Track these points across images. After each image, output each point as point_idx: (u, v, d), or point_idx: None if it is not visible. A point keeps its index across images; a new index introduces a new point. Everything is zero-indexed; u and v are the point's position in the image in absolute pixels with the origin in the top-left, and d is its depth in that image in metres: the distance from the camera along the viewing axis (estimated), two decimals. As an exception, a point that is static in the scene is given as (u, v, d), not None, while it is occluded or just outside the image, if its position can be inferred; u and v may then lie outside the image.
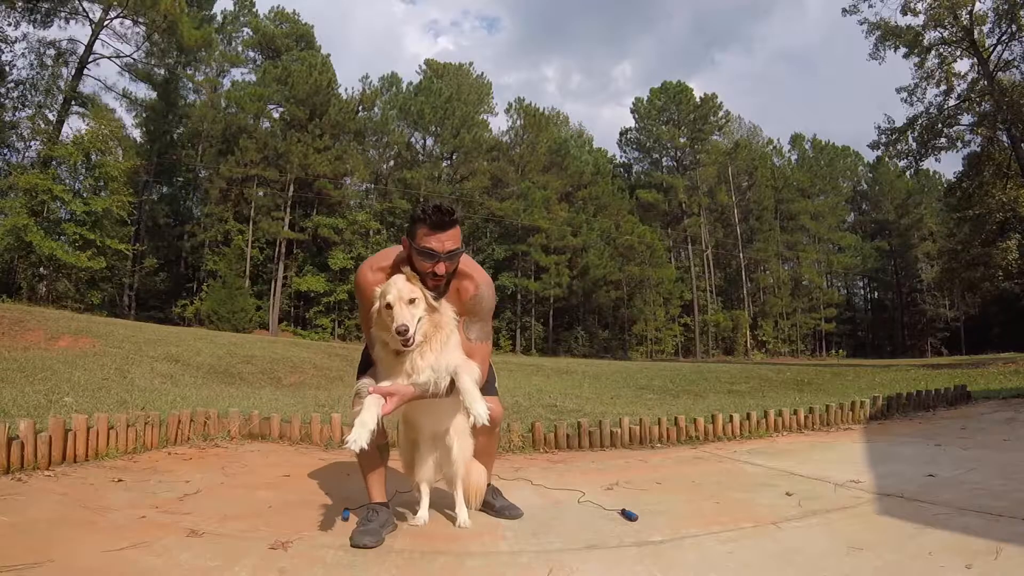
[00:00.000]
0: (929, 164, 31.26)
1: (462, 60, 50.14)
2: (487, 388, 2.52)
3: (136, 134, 34.40)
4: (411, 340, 2.19)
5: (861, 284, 56.99)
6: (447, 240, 2.31)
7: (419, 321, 2.24)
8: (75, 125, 32.90)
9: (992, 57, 23.11)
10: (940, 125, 24.89)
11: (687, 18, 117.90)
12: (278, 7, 39.63)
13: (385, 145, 42.17)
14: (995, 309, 37.36)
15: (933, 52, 24.36)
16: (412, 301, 2.24)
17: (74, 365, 8.67)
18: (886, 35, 24.77)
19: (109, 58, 29.99)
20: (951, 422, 5.65)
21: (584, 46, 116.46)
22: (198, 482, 3.20)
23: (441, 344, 2.30)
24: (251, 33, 39.46)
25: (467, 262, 2.50)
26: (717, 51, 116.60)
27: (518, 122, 45.46)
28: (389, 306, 2.23)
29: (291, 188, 36.50)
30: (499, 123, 70.98)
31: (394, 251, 2.50)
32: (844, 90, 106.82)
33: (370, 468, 2.55)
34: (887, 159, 31.10)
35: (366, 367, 2.57)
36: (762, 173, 49.13)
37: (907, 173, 38.15)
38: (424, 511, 2.64)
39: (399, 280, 2.28)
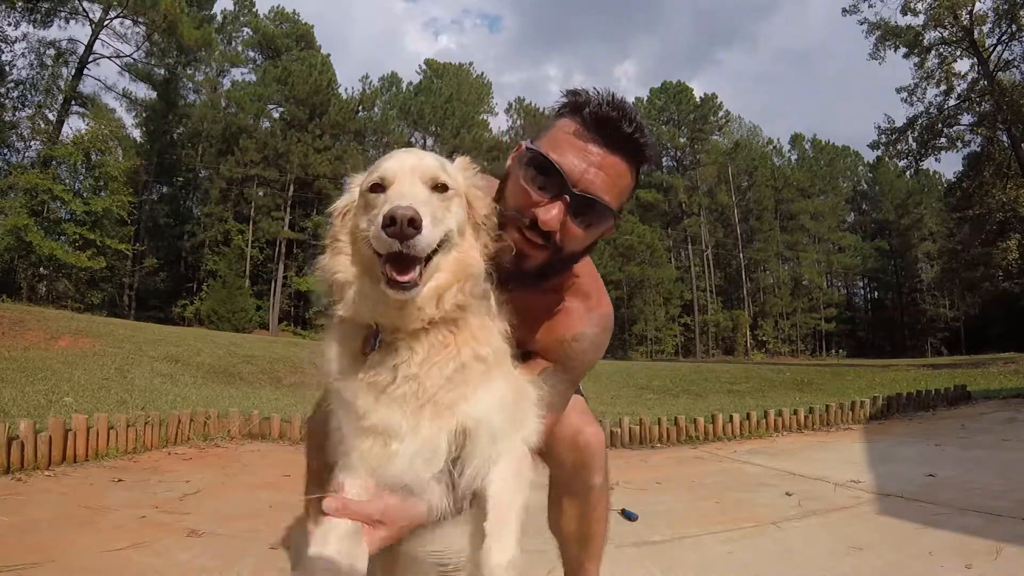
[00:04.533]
0: (929, 164, 31.31)
1: (463, 59, 50.32)
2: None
3: (136, 134, 34.54)
4: (416, 264, 0.99)
5: (861, 284, 57.03)
6: (601, 166, 1.18)
7: (443, 244, 1.05)
8: (75, 125, 32.97)
9: (992, 57, 23.13)
10: (940, 125, 24.91)
11: (690, 17, 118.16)
12: (278, 7, 39.71)
13: (385, 145, 42.11)
14: (995, 309, 37.37)
15: (933, 52, 24.40)
16: (440, 187, 1.08)
17: (74, 365, 8.67)
18: (886, 35, 24.81)
19: (109, 58, 30.06)
20: (951, 422, 5.65)
21: (586, 45, 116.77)
22: (198, 482, 3.20)
23: (458, 380, 1.08)
24: (251, 33, 39.50)
25: (589, 269, 1.42)
26: (720, 50, 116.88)
27: (518, 122, 45.55)
28: (379, 186, 1.06)
29: (291, 188, 36.54)
30: (499, 123, 71.12)
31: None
32: (844, 90, 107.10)
33: None
34: (887, 159, 31.13)
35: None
36: (762, 173, 49.15)
37: (907, 173, 38.19)
38: None
39: (419, 151, 1.16)
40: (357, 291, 1.07)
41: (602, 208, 1.20)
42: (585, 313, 1.37)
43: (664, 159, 50.18)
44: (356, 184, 1.16)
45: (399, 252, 0.96)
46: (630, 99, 1.28)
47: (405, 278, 0.97)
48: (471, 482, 1.10)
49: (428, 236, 0.97)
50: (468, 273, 1.09)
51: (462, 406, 1.08)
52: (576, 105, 1.21)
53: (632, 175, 1.24)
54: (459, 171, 1.18)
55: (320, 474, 1.34)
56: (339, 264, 1.10)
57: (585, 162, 1.17)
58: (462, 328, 1.10)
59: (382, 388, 1.06)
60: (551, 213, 1.17)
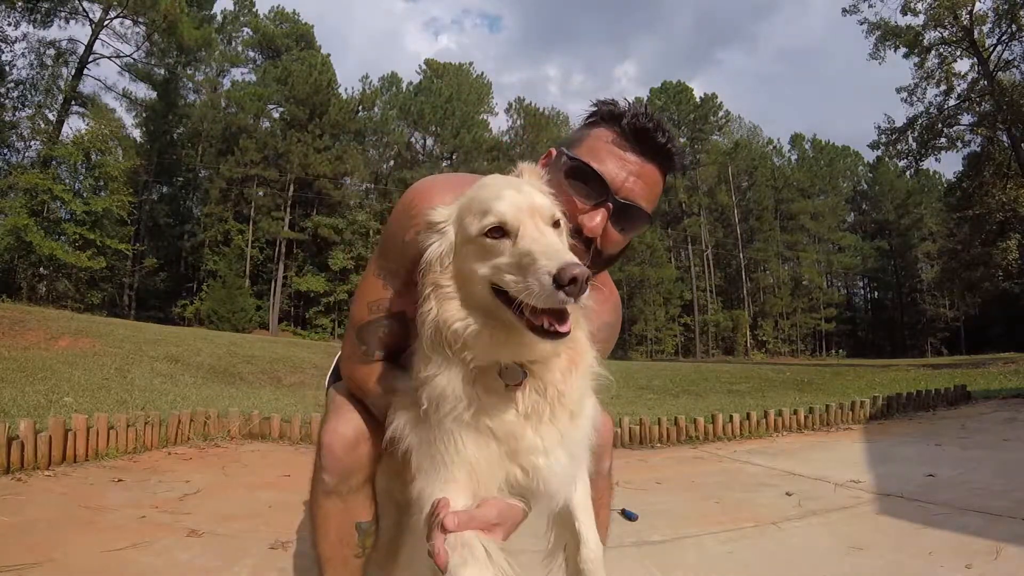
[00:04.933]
0: (929, 164, 31.33)
1: (463, 59, 50.24)
2: None
3: (136, 134, 34.54)
4: (569, 312, 1.00)
5: (861, 284, 57.01)
6: (640, 176, 1.24)
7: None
8: (75, 125, 33.02)
9: (992, 57, 23.12)
10: (940, 125, 24.92)
11: (690, 17, 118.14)
12: (278, 7, 39.72)
13: (385, 145, 42.19)
14: (995, 309, 37.38)
15: (933, 52, 24.41)
16: (557, 224, 1.10)
17: (74, 365, 8.66)
18: (886, 35, 24.81)
19: (109, 58, 30.06)
20: (951, 422, 5.65)
21: (586, 45, 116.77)
22: (198, 482, 3.20)
23: (585, 389, 1.17)
24: (251, 33, 39.50)
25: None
26: (720, 50, 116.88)
27: (518, 122, 45.57)
28: (499, 230, 1.03)
29: (291, 188, 36.54)
30: (499, 123, 71.14)
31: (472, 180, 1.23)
32: (844, 90, 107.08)
33: None
34: (887, 159, 31.15)
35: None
36: (762, 173, 49.15)
37: (907, 173, 38.20)
38: None
39: (520, 182, 1.14)
40: (490, 340, 1.07)
41: (640, 214, 1.27)
42: (600, 305, 1.38)
43: (664, 159, 49.85)
44: (447, 222, 1.13)
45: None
46: (629, 99, 1.32)
47: (566, 328, 0.98)
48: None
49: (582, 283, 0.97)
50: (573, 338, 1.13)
51: (586, 412, 1.17)
52: (612, 115, 1.26)
53: (664, 180, 1.33)
54: (546, 189, 1.17)
55: (335, 486, 1.34)
56: (453, 312, 1.09)
57: (625, 171, 1.24)
58: (576, 338, 1.14)
59: (536, 414, 1.10)
60: (595, 220, 1.23)
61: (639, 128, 1.23)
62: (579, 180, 1.24)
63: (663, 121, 1.26)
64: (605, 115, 1.27)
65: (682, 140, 47.51)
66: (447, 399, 1.12)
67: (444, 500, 1.10)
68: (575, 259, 0.96)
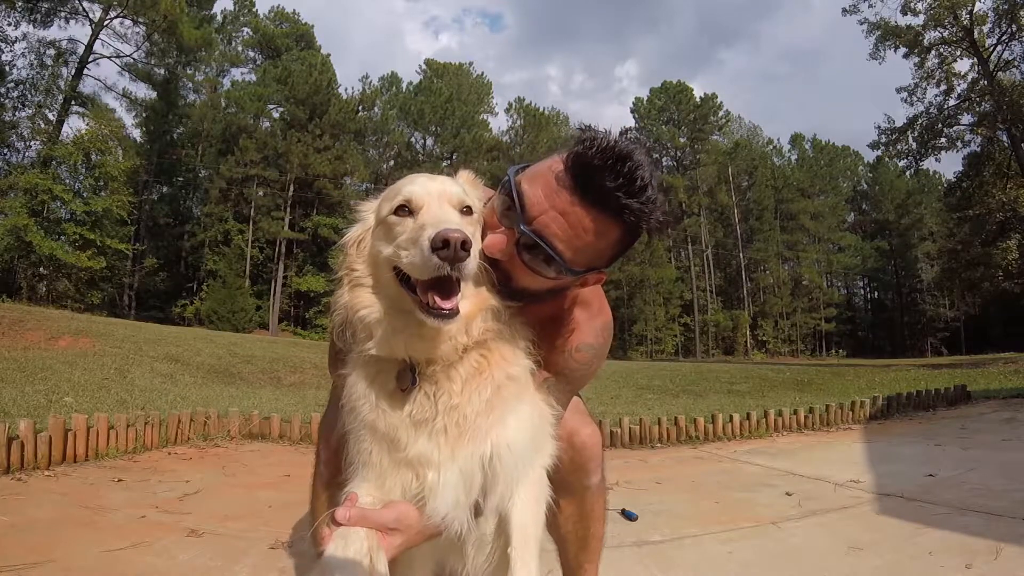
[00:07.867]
0: (929, 164, 31.36)
1: (463, 59, 50.31)
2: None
3: (136, 134, 34.53)
4: (458, 289, 1.01)
5: (861, 284, 56.99)
6: (566, 215, 1.07)
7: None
8: (75, 125, 32.94)
9: (992, 57, 23.14)
10: (940, 125, 24.95)
11: (691, 16, 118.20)
12: (278, 7, 39.72)
13: (385, 145, 42.18)
14: (995, 309, 37.37)
15: (933, 52, 24.43)
16: (467, 210, 1.12)
17: (74, 365, 8.66)
18: (886, 35, 24.83)
19: (109, 58, 30.06)
20: (951, 422, 5.64)
21: (587, 44, 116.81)
22: (198, 482, 3.20)
23: (495, 403, 1.11)
24: (251, 33, 39.50)
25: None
26: (721, 49, 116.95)
27: (518, 122, 45.57)
28: (405, 208, 1.08)
29: (291, 188, 36.52)
30: (499, 123, 71.18)
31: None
32: (844, 90, 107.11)
33: None
34: (887, 159, 31.15)
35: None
36: (762, 173, 49.12)
37: (907, 173, 38.23)
38: None
39: (439, 176, 1.16)
40: (388, 328, 1.07)
41: (547, 255, 1.08)
42: (587, 322, 1.33)
43: (664, 159, 50.09)
44: (369, 211, 1.17)
45: (444, 277, 0.96)
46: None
47: (449, 305, 0.98)
48: (496, 505, 1.14)
49: (475, 260, 0.99)
50: (490, 301, 1.12)
51: (496, 431, 1.10)
52: (574, 143, 1.09)
53: (615, 235, 1.10)
54: (472, 191, 1.19)
55: (330, 478, 1.36)
56: (362, 299, 1.10)
57: (549, 203, 1.07)
58: (492, 349, 1.12)
59: (425, 422, 1.08)
60: (493, 239, 1.12)
61: (583, 163, 1.04)
62: (506, 198, 1.11)
63: (627, 163, 1.02)
64: (575, 141, 1.09)
65: (682, 140, 47.48)
66: (355, 396, 1.14)
67: (353, 495, 1.10)
68: (458, 226, 0.95)
